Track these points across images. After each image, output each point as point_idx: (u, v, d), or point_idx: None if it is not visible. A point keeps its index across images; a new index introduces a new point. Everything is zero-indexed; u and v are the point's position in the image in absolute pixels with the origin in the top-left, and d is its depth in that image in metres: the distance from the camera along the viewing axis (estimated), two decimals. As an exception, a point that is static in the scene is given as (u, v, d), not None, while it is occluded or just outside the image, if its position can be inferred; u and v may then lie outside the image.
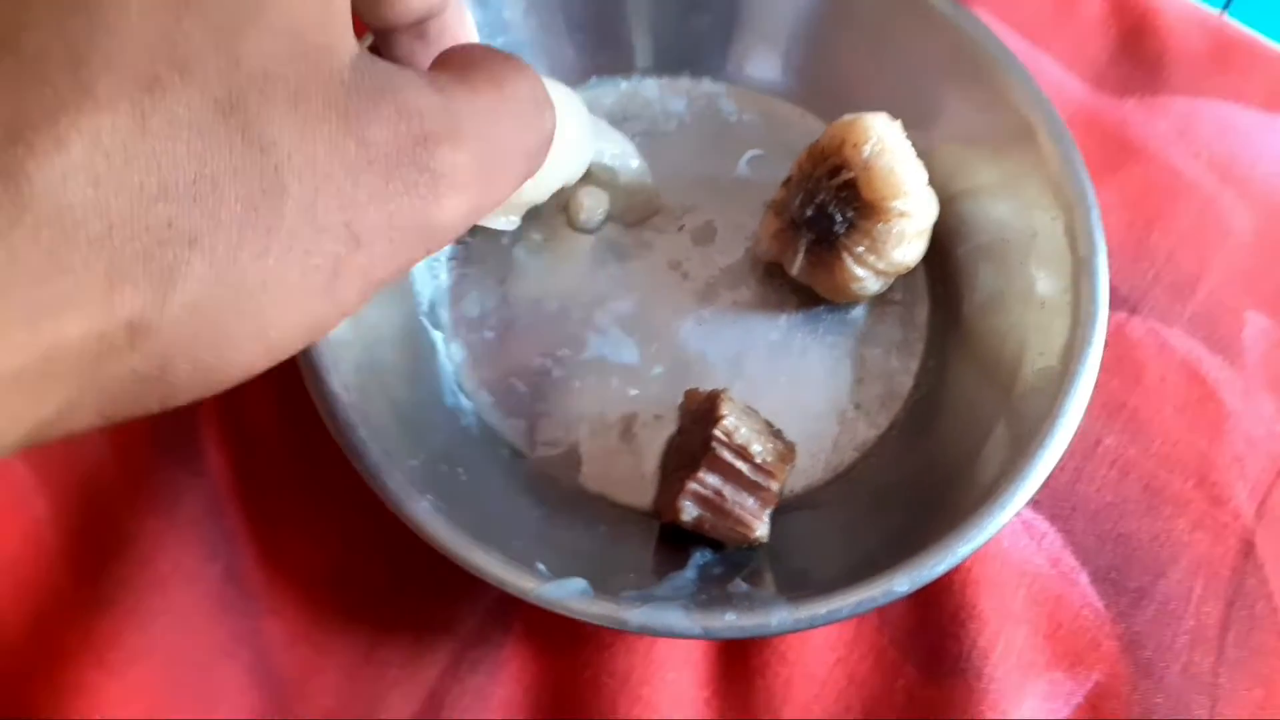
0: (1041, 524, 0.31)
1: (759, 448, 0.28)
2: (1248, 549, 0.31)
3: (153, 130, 0.14)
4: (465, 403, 0.31)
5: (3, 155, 0.13)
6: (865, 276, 0.31)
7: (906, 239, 0.31)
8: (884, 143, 0.30)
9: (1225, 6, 0.60)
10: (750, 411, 0.29)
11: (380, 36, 0.23)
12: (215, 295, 0.15)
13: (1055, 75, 0.37)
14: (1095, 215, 0.30)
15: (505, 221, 0.32)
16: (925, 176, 0.31)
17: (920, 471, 0.30)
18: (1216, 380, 0.33)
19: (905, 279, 0.33)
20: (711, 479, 0.28)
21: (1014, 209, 0.32)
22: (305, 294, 0.16)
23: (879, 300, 0.34)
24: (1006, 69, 0.32)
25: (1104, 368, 0.32)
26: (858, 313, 0.33)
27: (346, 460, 0.26)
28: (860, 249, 0.31)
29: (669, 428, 0.32)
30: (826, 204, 0.31)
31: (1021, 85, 0.32)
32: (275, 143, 0.15)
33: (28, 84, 0.14)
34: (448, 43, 0.23)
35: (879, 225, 0.30)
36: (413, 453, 0.28)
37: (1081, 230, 0.30)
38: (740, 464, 0.28)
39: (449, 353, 0.32)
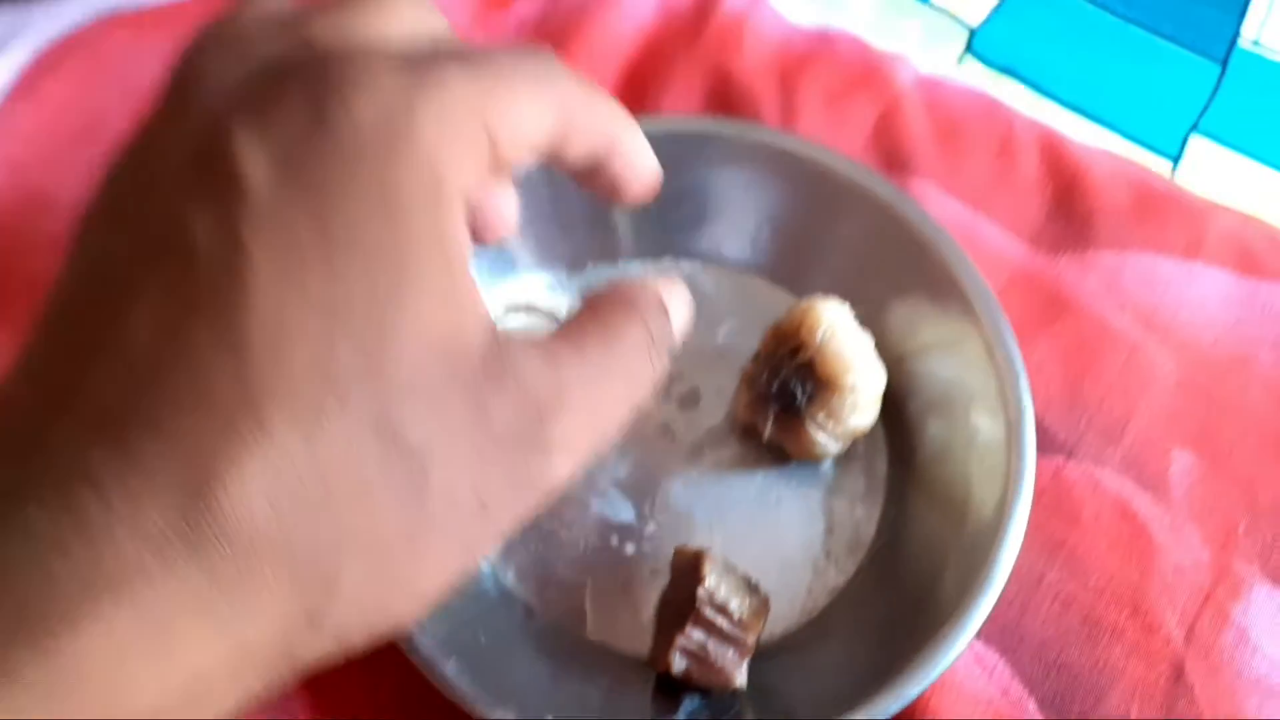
0: (992, 656, 0.35)
1: (737, 604, 0.33)
2: (1178, 673, 0.34)
3: (320, 454, 0.17)
4: (484, 567, 0.36)
5: (202, 493, 0.16)
6: (826, 441, 0.36)
7: (859, 408, 0.35)
8: (834, 328, 0.35)
9: (1177, 158, 0.65)
10: (730, 569, 0.34)
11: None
12: (378, 582, 0.18)
13: (995, 237, 0.42)
14: (1023, 380, 0.35)
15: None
16: (871, 349, 0.36)
17: (883, 614, 0.35)
18: (1146, 516, 0.37)
19: (868, 434, 0.38)
20: (697, 634, 0.32)
21: (955, 370, 0.36)
22: (447, 558, 0.19)
23: (843, 455, 0.38)
24: (940, 246, 0.37)
25: (1044, 509, 0.37)
26: (826, 467, 0.38)
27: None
28: (820, 417, 0.36)
29: (663, 580, 0.36)
30: (789, 380, 0.36)
31: (956, 262, 0.37)
32: (420, 446, 0.18)
33: (215, 426, 0.16)
34: (616, 172, 0.24)
35: (834, 398, 0.35)
36: (440, 620, 0.32)
37: (1011, 394, 0.35)
38: (721, 620, 0.32)
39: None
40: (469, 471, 0.19)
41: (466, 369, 0.19)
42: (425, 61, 0.19)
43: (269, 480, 0.16)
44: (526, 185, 0.38)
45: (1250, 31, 0.80)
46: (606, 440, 0.22)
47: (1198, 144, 0.70)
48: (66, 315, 0.18)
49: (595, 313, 0.22)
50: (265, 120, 0.18)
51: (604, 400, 0.22)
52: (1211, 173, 0.65)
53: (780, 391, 0.36)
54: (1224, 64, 0.77)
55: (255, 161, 0.18)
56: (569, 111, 0.22)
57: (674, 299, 0.24)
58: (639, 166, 0.24)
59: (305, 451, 0.17)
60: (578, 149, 0.22)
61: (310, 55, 0.19)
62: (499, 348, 0.20)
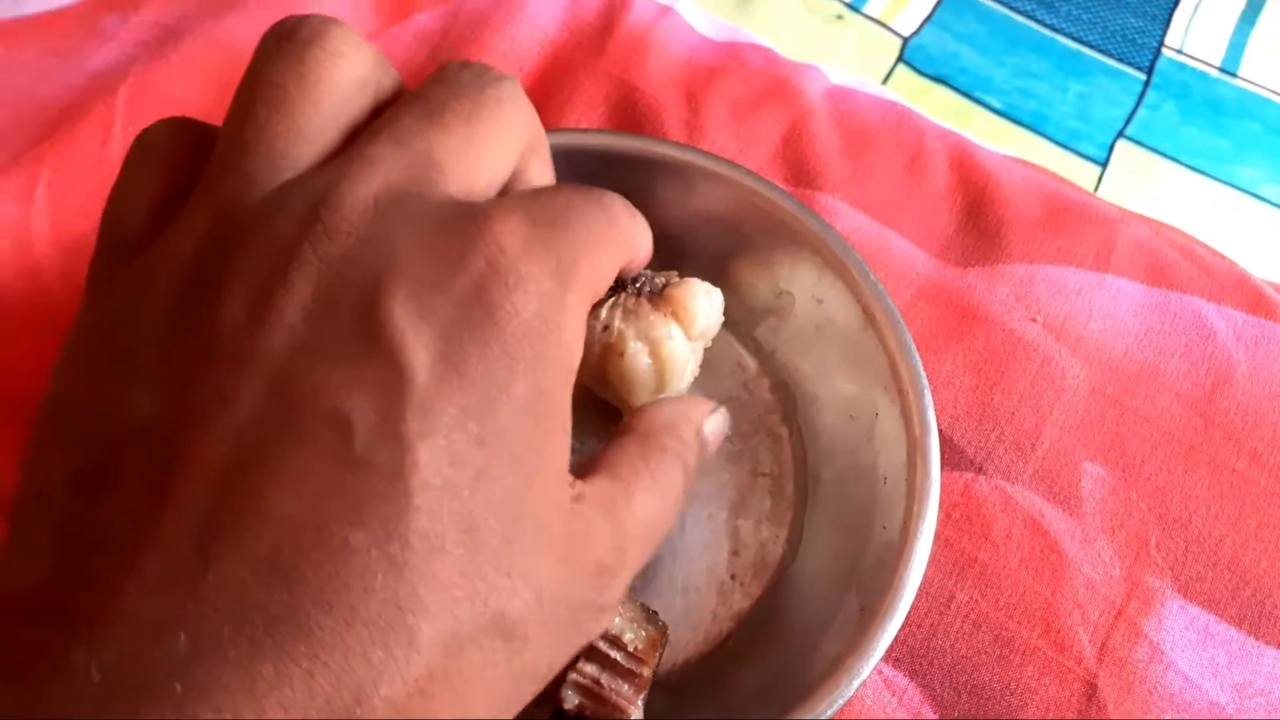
0: (902, 680, 0.34)
1: (631, 635, 0.31)
2: (1091, 691, 0.34)
3: (454, 667, 0.17)
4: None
5: (354, 712, 0.16)
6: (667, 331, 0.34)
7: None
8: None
9: (1105, 164, 0.65)
10: (626, 599, 0.33)
11: None
12: None
13: (904, 250, 0.41)
14: (928, 397, 0.34)
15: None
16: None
17: (790, 638, 0.34)
18: (1057, 531, 0.36)
19: (774, 451, 0.37)
20: (589, 668, 0.31)
21: (859, 389, 0.36)
22: (518, 709, 0.20)
23: (751, 473, 0.37)
24: (846, 263, 0.36)
25: (954, 526, 0.36)
26: (732, 487, 0.37)
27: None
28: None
29: (561, 609, 0.35)
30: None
31: (860, 278, 0.36)
32: (523, 634, 0.18)
33: (368, 643, 0.16)
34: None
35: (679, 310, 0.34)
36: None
37: (916, 411, 0.34)
38: (615, 653, 0.31)
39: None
40: (549, 649, 0.20)
41: (561, 547, 0.20)
42: (560, 238, 0.20)
43: (412, 693, 0.16)
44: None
45: (1174, 40, 0.80)
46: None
47: (1124, 150, 0.71)
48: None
49: (643, 447, 0.24)
50: (428, 299, 0.18)
51: (648, 548, 0.23)
52: (1138, 178, 0.65)
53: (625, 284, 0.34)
54: (1149, 72, 0.78)
55: (420, 346, 0.17)
56: (628, 252, 0.25)
57: (712, 424, 0.27)
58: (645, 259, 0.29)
59: (441, 660, 0.17)
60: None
61: (473, 237, 0.19)
62: (579, 518, 0.20)
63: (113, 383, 0.18)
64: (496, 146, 0.21)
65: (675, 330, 0.33)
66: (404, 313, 0.18)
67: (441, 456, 0.17)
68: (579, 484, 0.21)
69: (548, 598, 0.19)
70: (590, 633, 0.22)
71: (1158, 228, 0.43)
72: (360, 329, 0.17)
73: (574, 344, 0.20)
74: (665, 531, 0.24)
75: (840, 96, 0.45)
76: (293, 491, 0.16)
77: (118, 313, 0.19)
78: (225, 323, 0.18)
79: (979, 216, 0.42)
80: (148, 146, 0.21)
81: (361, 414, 0.17)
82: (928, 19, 0.81)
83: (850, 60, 0.68)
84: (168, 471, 0.17)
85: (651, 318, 0.33)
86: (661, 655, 0.32)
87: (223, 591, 0.16)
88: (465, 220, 0.19)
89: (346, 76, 0.20)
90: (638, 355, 0.33)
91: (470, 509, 0.17)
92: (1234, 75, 0.75)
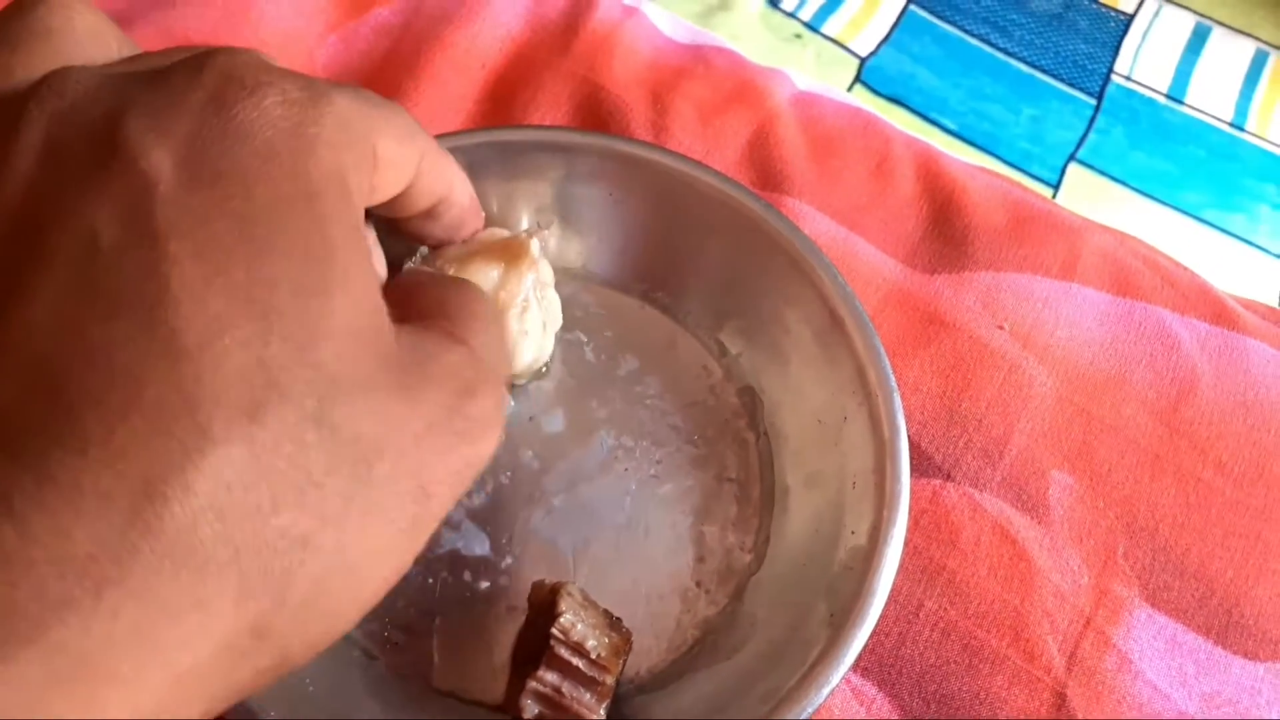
0: (870, 690, 0.33)
1: (594, 642, 0.30)
2: (1060, 700, 0.33)
3: (262, 454, 0.16)
4: (321, 608, 0.33)
5: (140, 511, 0.15)
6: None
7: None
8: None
9: (1056, 186, 0.66)
10: (589, 604, 0.31)
11: (393, 224, 0.27)
12: (326, 582, 0.17)
13: (870, 256, 0.41)
14: (896, 401, 0.33)
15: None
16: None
17: (756, 646, 0.33)
18: (1026, 539, 0.35)
19: (740, 455, 0.36)
20: (550, 676, 0.30)
21: (827, 394, 0.35)
22: (393, 552, 0.19)
23: (717, 478, 0.36)
24: (815, 266, 0.36)
25: (922, 533, 0.35)
26: (697, 492, 0.36)
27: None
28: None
29: (521, 618, 0.33)
30: None
31: (829, 281, 0.35)
32: (361, 436, 0.17)
33: (155, 437, 0.15)
34: (455, 219, 0.28)
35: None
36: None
37: (885, 415, 0.33)
38: (576, 660, 0.30)
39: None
40: (408, 458, 0.18)
41: (391, 357, 0.19)
42: (315, 82, 0.19)
43: (213, 488, 0.15)
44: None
45: (1123, 67, 0.82)
46: (504, 414, 0.22)
47: (1076, 173, 0.72)
48: None
49: (452, 296, 0.23)
50: (165, 115, 0.17)
51: (499, 375, 0.22)
52: (1089, 200, 0.65)
53: None
54: (1099, 97, 0.79)
55: (158, 153, 0.17)
56: (428, 156, 0.24)
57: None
58: (472, 205, 0.29)
59: (248, 454, 0.16)
60: (425, 193, 0.25)
61: (203, 59, 0.19)
62: (411, 334, 0.20)
63: None
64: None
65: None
66: (139, 128, 0.17)
67: (198, 244, 0.16)
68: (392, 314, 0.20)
69: (383, 398, 0.18)
70: (469, 453, 0.20)
71: (1121, 238, 0.43)
72: (97, 154, 0.17)
73: (341, 161, 0.19)
74: (507, 369, 0.25)
75: (807, 102, 0.45)
76: (45, 305, 0.16)
77: None
78: None
79: (945, 223, 0.42)
80: None
81: (106, 222, 0.16)
82: (885, 40, 0.82)
83: (807, 79, 0.68)
84: None
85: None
86: (625, 663, 0.31)
87: None
88: (195, 57, 0.19)
89: (79, 28, 0.20)
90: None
91: (250, 296, 0.16)
92: (1180, 102, 0.77)
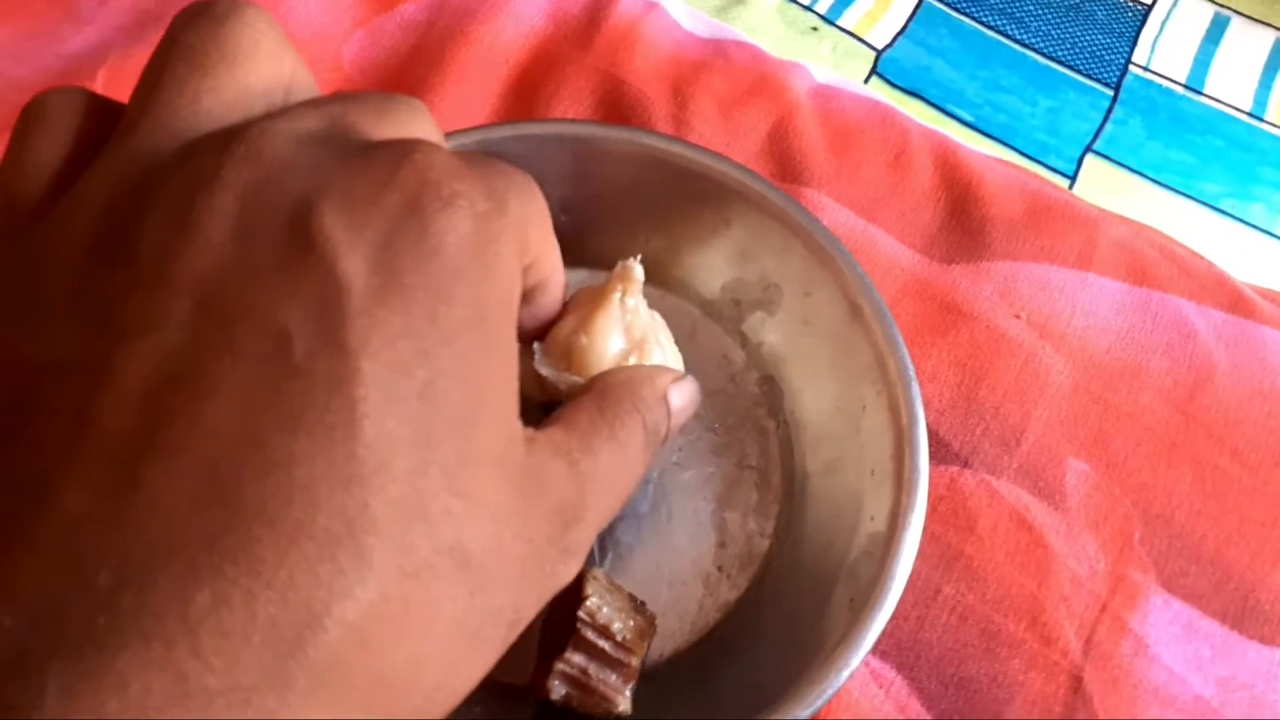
0: (889, 673, 0.34)
1: (619, 625, 0.31)
2: (1076, 684, 0.34)
3: (405, 584, 0.16)
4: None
5: (302, 638, 0.15)
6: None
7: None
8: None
9: (1073, 178, 0.66)
10: (614, 588, 0.32)
11: None
12: (431, 696, 0.17)
13: (888, 247, 0.41)
14: (915, 389, 0.34)
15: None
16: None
17: (777, 630, 0.33)
18: (1043, 525, 0.36)
19: (761, 443, 0.37)
20: (577, 658, 0.30)
21: (846, 383, 0.35)
22: (485, 662, 0.19)
23: (737, 465, 0.37)
24: (834, 256, 0.36)
25: (940, 519, 0.36)
26: (719, 479, 0.36)
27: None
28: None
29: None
30: None
31: (848, 271, 0.36)
32: (482, 565, 0.17)
33: (321, 564, 0.15)
34: (549, 306, 0.27)
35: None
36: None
37: (904, 403, 0.33)
38: (603, 642, 0.31)
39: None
40: (513, 587, 0.19)
41: (518, 481, 0.19)
42: (483, 172, 0.19)
43: (368, 617, 0.15)
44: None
45: (1141, 57, 0.82)
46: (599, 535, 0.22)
47: (1093, 164, 0.72)
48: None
49: (600, 402, 0.23)
50: (360, 213, 0.17)
51: (610, 500, 0.22)
52: (1107, 191, 0.65)
53: None
54: (1117, 88, 0.79)
55: (355, 256, 0.17)
56: (549, 234, 0.23)
57: (679, 392, 0.26)
58: (563, 292, 0.27)
59: (398, 582, 0.16)
60: (538, 272, 0.24)
61: (402, 155, 0.18)
62: (535, 456, 0.20)
63: (22, 325, 0.17)
64: (407, 126, 0.21)
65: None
66: (335, 225, 0.17)
67: (385, 365, 0.16)
68: (533, 430, 0.21)
69: (506, 529, 0.18)
70: (557, 578, 0.20)
71: (1138, 228, 0.43)
72: (291, 244, 0.17)
73: (511, 275, 0.19)
74: (626, 489, 0.23)
75: (825, 94, 0.45)
76: (227, 406, 0.15)
77: (26, 263, 0.18)
78: (145, 249, 0.17)
79: (962, 214, 0.42)
80: (44, 111, 0.20)
81: (299, 325, 0.16)
82: (901, 32, 0.82)
83: (824, 71, 0.68)
84: (88, 400, 0.15)
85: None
86: (649, 646, 0.32)
87: (151, 517, 0.14)
88: (391, 147, 0.19)
89: (264, 51, 0.20)
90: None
91: (417, 422, 0.16)
92: (1199, 92, 0.77)
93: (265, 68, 0.20)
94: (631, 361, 0.32)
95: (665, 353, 0.33)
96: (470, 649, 0.18)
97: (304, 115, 0.19)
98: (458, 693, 0.18)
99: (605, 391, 0.24)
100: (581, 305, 0.32)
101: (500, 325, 0.19)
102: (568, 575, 0.21)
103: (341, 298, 0.16)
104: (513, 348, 0.20)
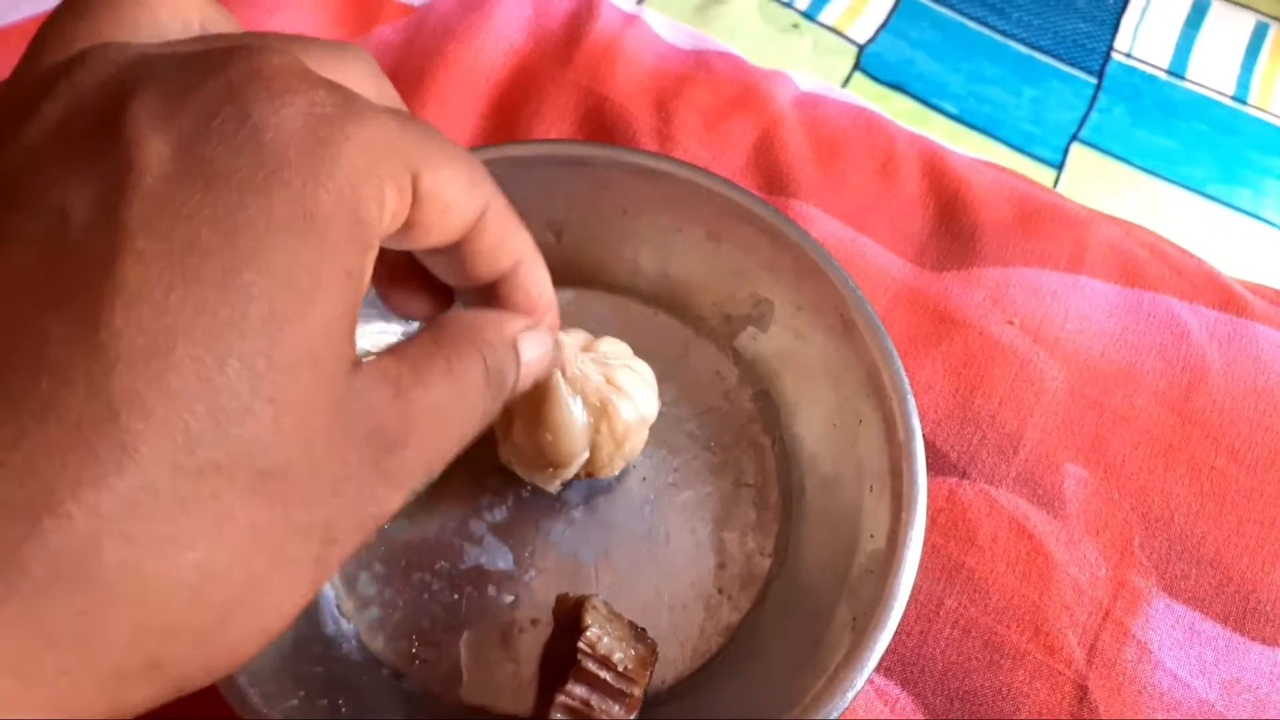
0: (894, 690, 0.33)
1: (620, 655, 0.31)
2: (1081, 693, 0.33)
3: (184, 482, 0.15)
4: (346, 627, 0.33)
5: (37, 524, 0.14)
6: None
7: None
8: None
9: (1060, 167, 0.66)
10: (614, 616, 0.32)
11: (463, 298, 0.25)
12: (229, 618, 0.16)
13: (878, 256, 0.41)
14: (911, 403, 0.33)
15: (555, 485, 0.34)
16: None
17: (780, 650, 0.33)
18: (1042, 533, 0.36)
19: (757, 461, 0.37)
20: (579, 690, 0.30)
21: (841, 397, 0.35)
22: (297, 591, 0.18)
23: (734, 483, 0.36)
24: (825, 269, 0.36)
25: (940, 532, 0.36)
26: (716, 499, 0.36)
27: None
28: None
29: (546, 631, 0.34)
30: None
31: (839, 284, 0.36)
32: (287, 477, 0.16)
33: (71, 448, 0.14)
34: (519, 300, 0.24)
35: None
36: (293, 691, 0.29)
37: (900, 416, 0.33)
38: (604, 673, 0.30)
39: (330, 580, 0.34)
40: (323, 505, 0.17)
41: (335, 397, 0.17)
42: (350, 93, 0.18)
43: (124, 510, 0.14)
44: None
45: (1123, 44, 0.82)
46: (432, 473, 0.20)
47: (1079, 152, 0.72)
48: None
49: (439, 338, 0.21)
50: (175, 101, 0.16)
51: (441, 435, 0.20)
52: (1093, 180, 0.65)
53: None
54: (1100, 76, 0.79)
55: (155, 140, 0.16)
56: (495, 213, 0.22)
57: (531, 342, 0.24)
58: (540, 293, 0.24)
59: (170, 478, 0.15)
60: (491, 257, 0.22)
61: (235, 50, 0.17)
62: (358, 378, 0.18)
63: None
64: (324, 66, 0.19)
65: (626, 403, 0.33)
66: (143, 110, 0.16)
67: (172, 245, 0.15)
68: (359, 358, 0.19)
69: (317, 444, 0.17)
70: (378, 504, 0.19)
71: (1128, 228, 0.43)
72: (97, 133, 0.16)
73: (361, 189, 0.17)
74: (461, 427, 0.21)
75: (810, 103, 0.45)
76: None
77: None
78: None
79: (952, 221, 0.42)
80: None
81: (79, 204, 0.15)
82: (883, 26, 0.82)
83: (808, 69, 0.68)
84: None
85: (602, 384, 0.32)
86: (652, 673, 0.32)
87: None
88: (235, 45, 0.17)
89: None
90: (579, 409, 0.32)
91: (215, 311, 0.15)
92: (1182, 78, 0.77)
93: (156, 14, 0.19)
94: (603, 429, 0.32)
95: (635, 400, 0.33)
96: (274, 566, 0.17)
97: (182, 43, 0.18)
98: (266, 619, 0.17)
99: (443, 327, 0.22)
100: (528, 405, 0.32)
101: (336, 235, 0.17)
102: (389, 504, 0.19)
103: (129, 176, 0.15)
104: (357, 267, 0.18)
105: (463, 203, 0.20)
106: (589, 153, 0.39)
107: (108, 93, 0.16)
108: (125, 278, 0.15)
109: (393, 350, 0.20)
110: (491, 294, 0.24)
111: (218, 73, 0.17)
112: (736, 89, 0.44)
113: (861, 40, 0.82)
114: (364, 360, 0.19)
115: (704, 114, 0.43)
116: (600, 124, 0.43)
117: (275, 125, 0.16)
